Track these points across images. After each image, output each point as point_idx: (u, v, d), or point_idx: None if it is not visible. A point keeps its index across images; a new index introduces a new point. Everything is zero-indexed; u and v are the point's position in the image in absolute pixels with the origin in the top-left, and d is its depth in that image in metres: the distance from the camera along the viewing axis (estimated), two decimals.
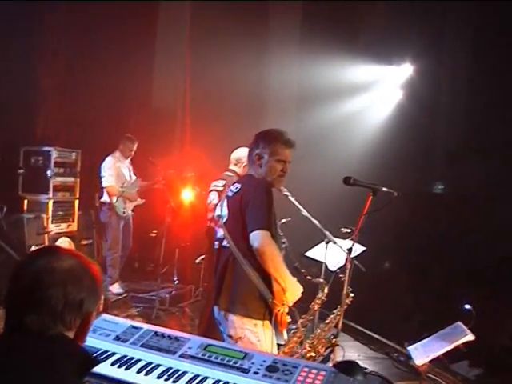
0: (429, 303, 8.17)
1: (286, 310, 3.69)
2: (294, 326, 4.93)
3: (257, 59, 10.94)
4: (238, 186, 3.85)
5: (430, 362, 4.18)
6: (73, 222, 8.56)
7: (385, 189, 3.95)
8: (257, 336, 3.64)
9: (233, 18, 10.20)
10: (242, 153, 5.79)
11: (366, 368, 2.37)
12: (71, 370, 1.69)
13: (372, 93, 10.96)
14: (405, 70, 10.87)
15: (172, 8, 10.77)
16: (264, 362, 2.50)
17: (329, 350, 4.86)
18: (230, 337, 3.68)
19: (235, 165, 5.91)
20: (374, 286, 8.30)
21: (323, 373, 2.40)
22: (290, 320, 3.77)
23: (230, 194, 3.86)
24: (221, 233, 3.83)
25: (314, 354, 4.50)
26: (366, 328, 7.63)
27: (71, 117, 9.40)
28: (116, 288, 8.30)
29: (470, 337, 3.99)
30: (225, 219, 3.81)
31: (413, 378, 5.77)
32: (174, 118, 11.11)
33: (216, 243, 3.93)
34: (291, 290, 3.65)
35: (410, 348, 4.33)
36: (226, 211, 3.82)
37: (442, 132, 11.34)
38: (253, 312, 3.66)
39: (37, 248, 1.95)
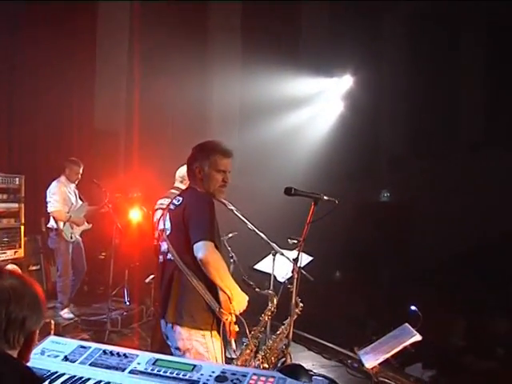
0: (380, 309, 8.28)
1: (234, 319, 3.71)
2: (246, 340, 4.98)
3: (199, 77, 10.97)
4: (180, 198, 3.88)
5: (380, 365, 4.24)
6: (19, 248, 8.41)
7: (326, 197, 4.01)
8: (205, 347, 3.66)
9: (174, 36, 10.24)
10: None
11: (311, 370, 2.42)
12: None
13: (314, 105, 11.11)
14: (345, 82, 11.05)
15: (111, 27, 10.70)
16: (213, 372, 2.52)
17: (282, 360, 4.90)
18: (178, 349, 3.69)
19: (181, 182, 5.90)
20: (325, 296, 8.39)
21: (272, 379, 2.43)
22: (237, 329, 3.79)
23: (172, 207, 3.89)
24: (165, 246, 3.85)
25: (267, 366, 4.54)
26: (318, 337, 7.68)
27: (11, 141, 9.28)
28: (67, 313, 8.16)
29: (418, 337, 4.07)
30: (168, 232, 3.83)
31: (367, 383, 5.81)
32: (118, 138, 11.04)
33: (160, 257, 3.94)
34: (237, 298, 3.68)
35: (360, 352, 4.39)
36: (168, 224, 3.84)
37: (385, 140, 11.55)
38: (200, 323, 3.68)
39: None
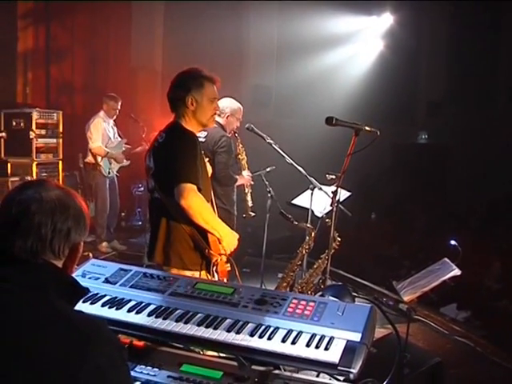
0: (415, 249, 8.26)
1: (224, 258, 3.63)
2: (282, 274, 4.98)
3: (236, 15, 10.82)
4: (164, 135, 3.65)
5: (418, 299, 4.21)
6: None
7: (367, 128, 3.94)
8: None
9: None
10: (224, 103, 5.76)
11: (353, 291, 2.40)
12: (60, 297, 1.69)
13: (353, 44, 10.91)
14: (385, 20, 10.78)
15: None
16: (253, 295, 2.51)
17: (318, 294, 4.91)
18: None
19: (218, 115, 5.84)
20: (361, 234, 8.38)
21: (312, 304, 2.41)
22: (229, 269, 3.72)
23: (156, 144, 3.67)
24: (152, 184, 3.67)
25: None
26: (354, 275, 7.68)
27: (49, 79, 9.33)
28: (104, 247, 8.30)
29: (457, 271, 4.02)
30: (152, 171, 3.64)
31: (402, 321, 5.81)
32: (154, 74, 10.96)
33: (149, 194, 3.79)
34: (227, 238, 3.59)
35: (398, 286, 4.35)
36: (153, 163, 3.64)
37: (424, 82, 11.36)
38: (189, 263, 3.59)
39: (23, 181, 1.94)
